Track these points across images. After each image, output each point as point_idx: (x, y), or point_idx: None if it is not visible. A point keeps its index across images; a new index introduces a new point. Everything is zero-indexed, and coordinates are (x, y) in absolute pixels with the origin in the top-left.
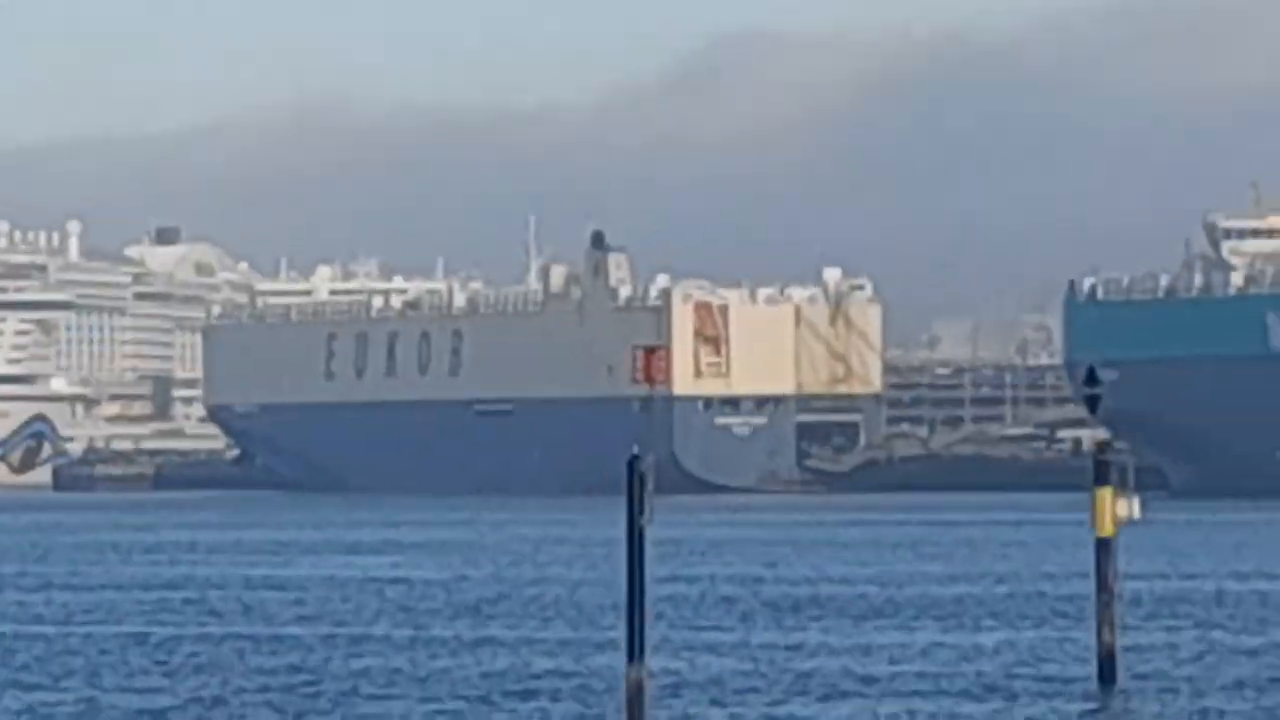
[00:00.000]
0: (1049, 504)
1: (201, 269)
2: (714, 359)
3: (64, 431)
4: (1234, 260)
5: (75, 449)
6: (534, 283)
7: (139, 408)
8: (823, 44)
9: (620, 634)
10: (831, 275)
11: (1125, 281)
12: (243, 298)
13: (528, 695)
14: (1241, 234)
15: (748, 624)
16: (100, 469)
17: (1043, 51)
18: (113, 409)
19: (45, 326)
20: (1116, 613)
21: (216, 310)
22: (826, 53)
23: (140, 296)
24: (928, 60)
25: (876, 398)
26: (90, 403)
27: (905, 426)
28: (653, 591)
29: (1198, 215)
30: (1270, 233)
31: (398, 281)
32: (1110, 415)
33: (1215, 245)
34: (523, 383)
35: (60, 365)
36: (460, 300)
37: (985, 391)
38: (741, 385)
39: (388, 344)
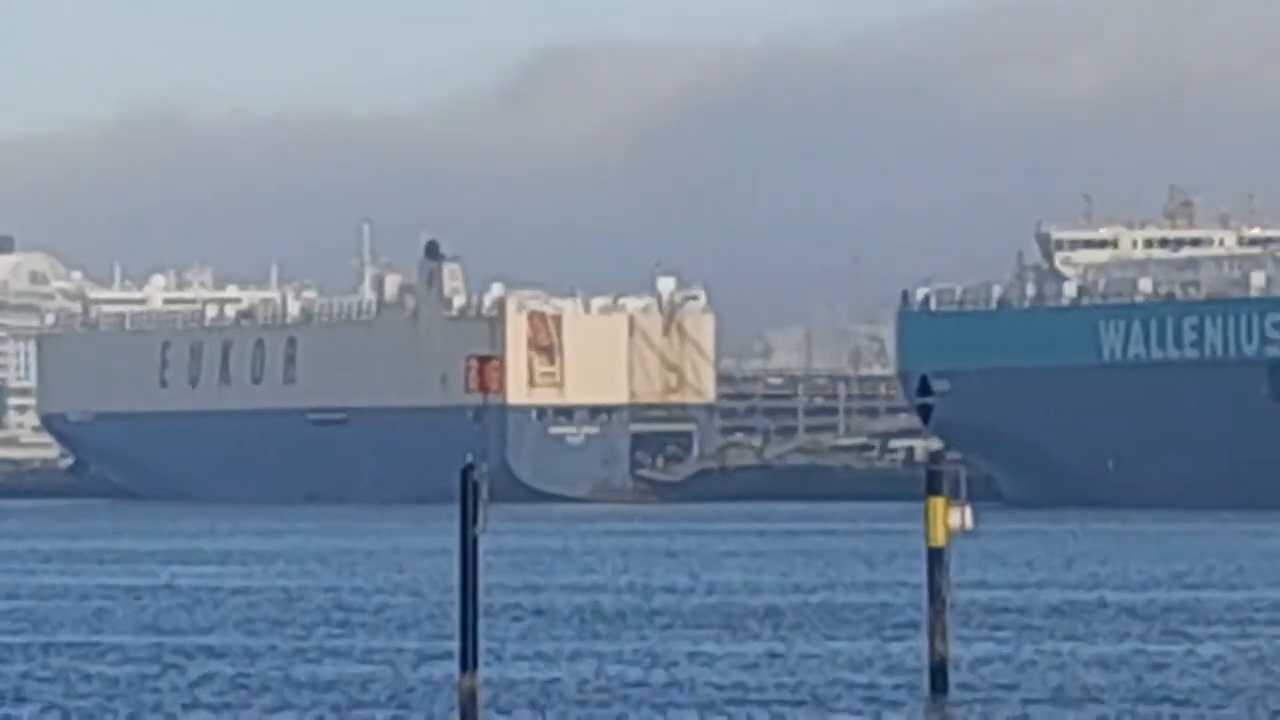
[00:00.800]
0: (882, 514)
1: (35, 278)
2: (548, 369)
3: None
4: (1067, 271)
5: None
6: (368, 292)
7: None
8: (656, 52)
9: (453, 643)
10: (665, 285)
11: (958, 292)
12: (76, 307)
13: (362, 705)
14: (1074, 245)
15: (581, 633)
16: None
17: (875, 61)
18: None
19: None
20: (948, 622)
21: (50, 319)
22: (660, 61)
23: None
24: (760, 69)
25: (710, 407)
26: None
27: (739, 436)
28: (486, 601)
29: (1031, 226)
30: (1103, 243)
31: (231, 290)
32: (943, 425)
33: (1048, 256)
34: (357, 392)
35: None
36: (294, 309)
37: (819, 401)
38: (575, 395)
39: (222, 353)
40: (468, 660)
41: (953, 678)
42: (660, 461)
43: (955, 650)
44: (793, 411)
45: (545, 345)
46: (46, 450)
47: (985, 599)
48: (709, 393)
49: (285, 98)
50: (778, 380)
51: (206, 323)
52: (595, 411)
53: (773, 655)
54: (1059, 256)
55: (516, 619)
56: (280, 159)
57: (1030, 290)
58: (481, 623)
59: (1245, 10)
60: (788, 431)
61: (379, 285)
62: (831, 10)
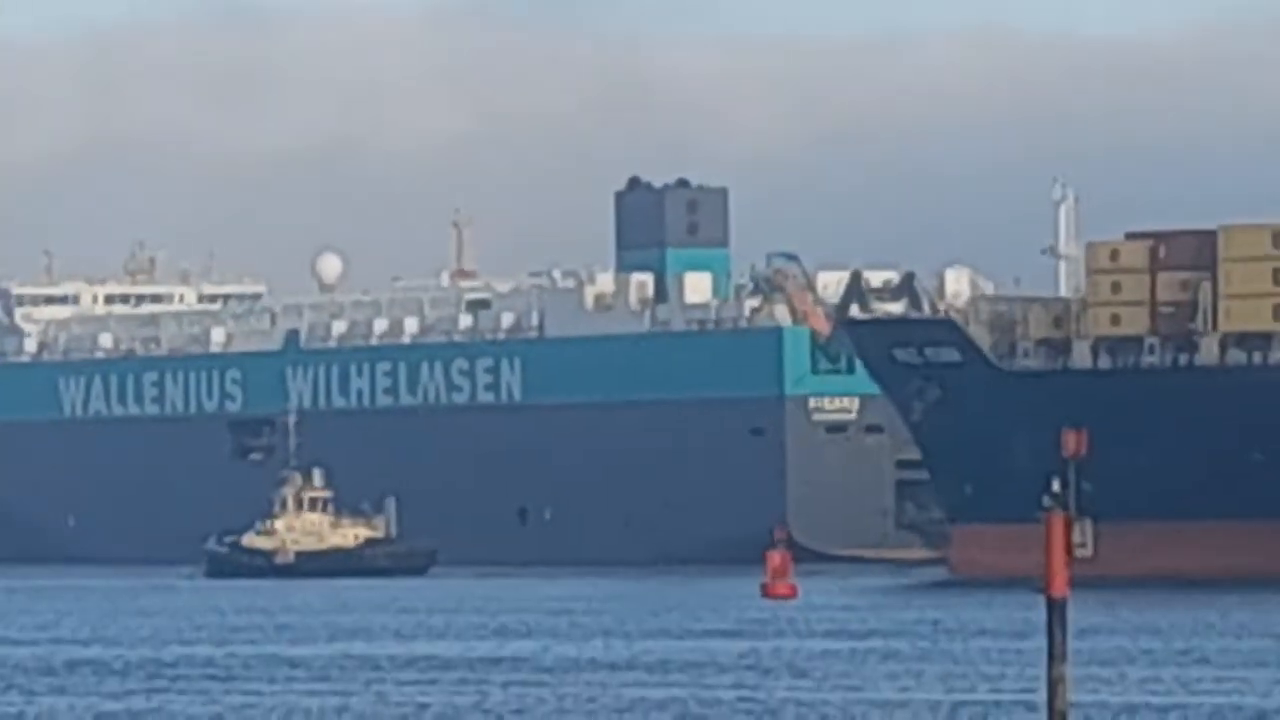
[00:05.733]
0: None
1: None
2: None
3: None
4: (27, 327)
5: None
6: None
7: None
8: None
9: None
10: None
11: None
12: None
13: None
14: (35, 300)
15: None
16: None
17: None
18: None
19: None
20: None
21: None
22: None
23: None
24: None
25: None
26: None
27: None
28: None
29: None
30: (64, 299)
31: None
32: None
33: (9, 312)
34: None
35: None
36: None
37: None
38: None
39: None
40: None
41: None
42: None
43: None
44: None
45: None
46: None
47: None
48: None
49: None
50: None
51: None
52: None
53: None
54: (19, 313)
55: None
56: None
57: None
58: None
59: (171, 66)
60: None
61: None
62: None
